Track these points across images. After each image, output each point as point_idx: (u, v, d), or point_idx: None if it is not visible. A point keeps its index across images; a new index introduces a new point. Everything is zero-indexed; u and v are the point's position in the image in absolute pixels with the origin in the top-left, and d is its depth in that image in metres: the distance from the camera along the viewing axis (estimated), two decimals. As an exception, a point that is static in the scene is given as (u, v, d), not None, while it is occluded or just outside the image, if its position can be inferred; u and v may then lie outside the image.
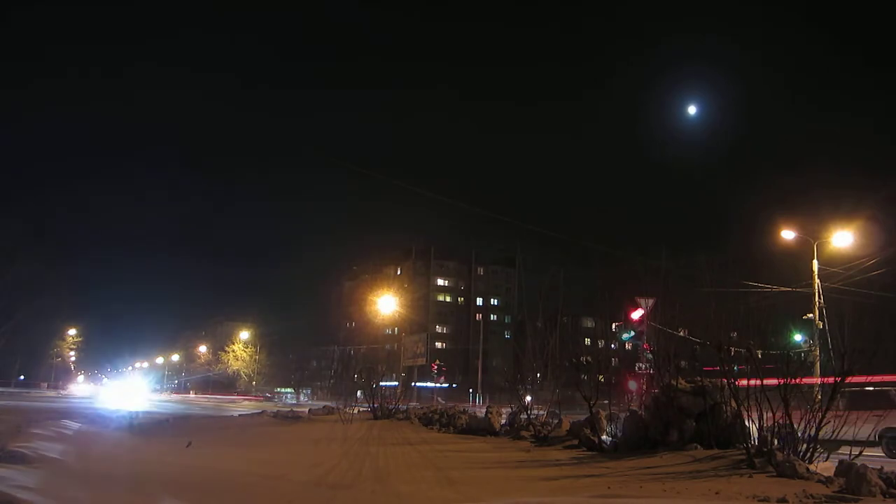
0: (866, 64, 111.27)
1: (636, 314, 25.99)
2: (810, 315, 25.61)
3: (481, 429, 14.87)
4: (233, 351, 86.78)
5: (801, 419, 8.74)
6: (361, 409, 20.04)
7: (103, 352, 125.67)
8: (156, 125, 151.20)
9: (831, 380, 8.99)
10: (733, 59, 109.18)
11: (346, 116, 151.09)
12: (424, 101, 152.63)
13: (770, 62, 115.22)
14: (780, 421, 8.81)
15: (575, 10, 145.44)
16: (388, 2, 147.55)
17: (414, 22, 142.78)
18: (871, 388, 14.45)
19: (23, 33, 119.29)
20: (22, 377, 74.04)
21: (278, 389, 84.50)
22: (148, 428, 16.80)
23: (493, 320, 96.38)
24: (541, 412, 15.11)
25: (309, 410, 23.04)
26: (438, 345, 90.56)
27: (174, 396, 72.27)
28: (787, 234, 26.75)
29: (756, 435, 9.05)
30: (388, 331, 77.67)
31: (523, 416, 14.92)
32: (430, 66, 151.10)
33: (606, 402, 13.07)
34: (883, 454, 14.39)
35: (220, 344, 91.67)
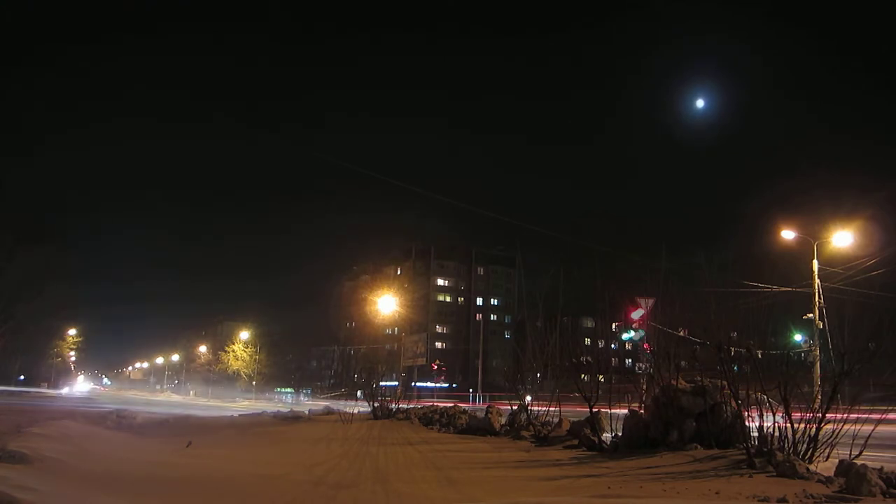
0: (867, 66, 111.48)
1: (636, 314, 26.00)
2: (810, 315, 25.59)
3: (481, 429, 14.86)
4: (233, 351, 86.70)
5: (802, 419, 8.73)
6: (361, 408, 20.02)
7: (103, 352, 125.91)
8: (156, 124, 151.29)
9: None
10: (735, 61, 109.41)
11: (346, 116, 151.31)
12: (425, 110, 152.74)
13: (771, 64, 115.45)
14: (781, 421, 8.80)
15: (575, 17, 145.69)
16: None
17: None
18: None
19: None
20: (22, 377, 73.94)
21: (278, 389, 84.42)
22: (148, 428, 16.80)
23: (493, 320, 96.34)
24: (541, 410, 15.08)
25: (309, 411, 23.04)
26: (438, 345, 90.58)
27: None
28: (787, 234, 26.72)
29: (756, 435, 9.04)
30: (389, 331, 77.53)
31: (523, 416, 14.90)
32: (431, 67, 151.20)
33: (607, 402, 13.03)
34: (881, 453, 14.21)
35: (220, 344, 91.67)
